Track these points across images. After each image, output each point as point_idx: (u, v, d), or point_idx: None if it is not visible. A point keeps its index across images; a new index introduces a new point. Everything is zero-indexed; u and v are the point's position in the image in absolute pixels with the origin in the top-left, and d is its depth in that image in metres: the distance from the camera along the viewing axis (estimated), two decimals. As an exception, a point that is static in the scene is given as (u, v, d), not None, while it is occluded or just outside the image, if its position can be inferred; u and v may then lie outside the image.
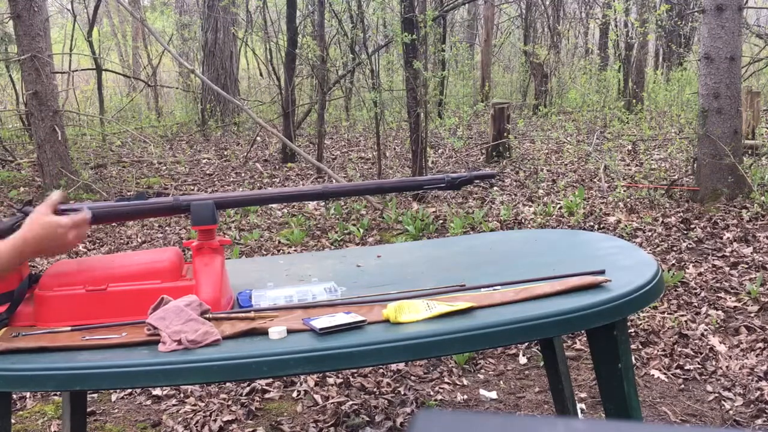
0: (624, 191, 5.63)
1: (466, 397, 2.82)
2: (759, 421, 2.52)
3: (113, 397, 2.90)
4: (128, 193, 6.66)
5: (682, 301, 3.55)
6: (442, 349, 1.53)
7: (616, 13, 11.06)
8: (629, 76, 11.19)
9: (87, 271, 1.66)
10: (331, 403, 2.76)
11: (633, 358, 2.95)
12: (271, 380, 2.92)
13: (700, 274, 3.87)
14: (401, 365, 3.03)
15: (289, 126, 8.21)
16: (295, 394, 2.86)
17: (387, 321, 1.54)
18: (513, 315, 1.54)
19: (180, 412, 2.76)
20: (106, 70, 11.10)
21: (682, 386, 2.81)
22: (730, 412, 2.59)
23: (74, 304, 1.61)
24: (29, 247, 1.53)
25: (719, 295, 3.60)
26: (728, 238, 4.41)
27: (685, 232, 4.62)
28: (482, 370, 3.03)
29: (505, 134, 7.55)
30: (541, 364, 2.88)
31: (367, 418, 2.65)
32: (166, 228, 5.50)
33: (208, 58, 11.43)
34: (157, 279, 1.65)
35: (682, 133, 7.96)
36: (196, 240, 1.73)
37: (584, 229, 4.81)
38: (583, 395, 2.77)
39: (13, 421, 1.97)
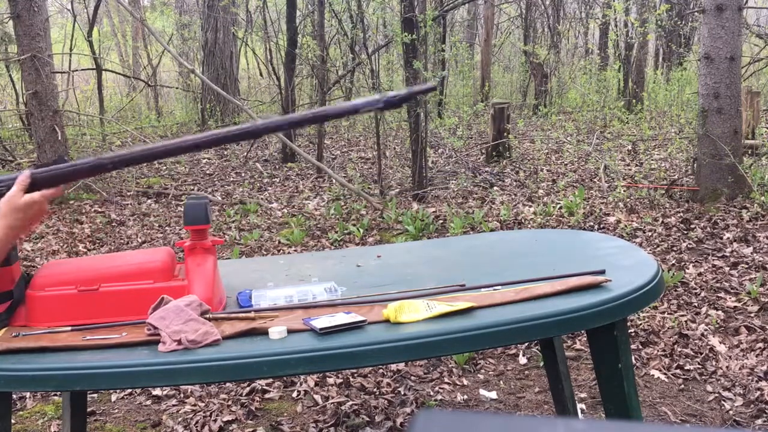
0: (624, 191, 5.63)
1: (466, 397, 2.82)
2: (759, 421, 2.52)
3: (113, 397, 2.90)
4: (128, 193, 6.67)
5: (682, 301, 3.55)
6: (442, 349, 1.53)
7: (616, 13, 11.06)
8: (629, 76, 11.19)
9: (79, 272, 1.66)
10: (331, 403, 2.76)
11: (633, 358, 2.95)
12: (271, 380, 2.92)
13: (700, 274, 3.87)
14: (401, 365, 3.03)
15: (289, 126, 8.19)
16: (295, 394, 2.86)
17: (387, 321, 1.54)
18: (513, 315, 1.54)
19: (180, 412, 2.76)
20: (106, 70, 11.10)
21: (682, 386, 2.81)
22: (730, 412, 2.59)
23: (67, 304, 1.61)
24: (11, 233, 1.51)
25: (719, 295, 3.60)
26: (728, 238, 4.41)
27: (685, 232, 4.62)
28: (482, 370, 3.03)
29: (505, 134, 7.55)
30: (541, 364, 2.87)
31: (367, 418, 2.65)
32: (166, 228, 5.50)
33: (208, 58, 11.42)
34: (150, 279, 1.65)
35: (682, 133, 7.96)
36: (188, 240, 1.73)
37: (584, 229, 4.81)
38: (583, 395, 2.77)
39: (13, 421, 1.97)
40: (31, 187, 1.53)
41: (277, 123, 1.61)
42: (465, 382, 2.93)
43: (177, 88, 12.94)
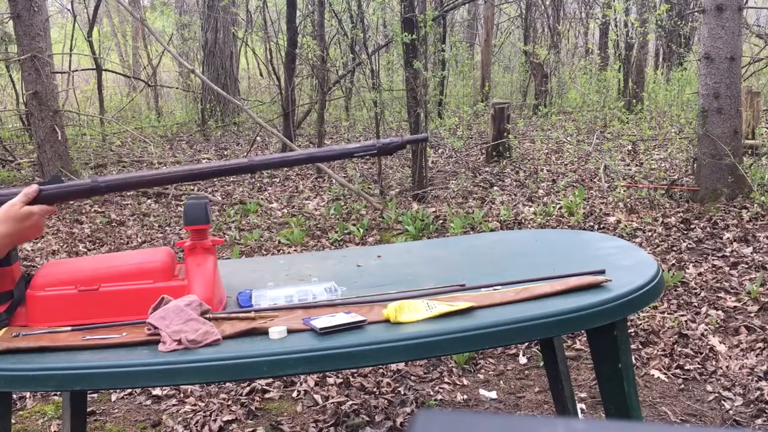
0: (624, 191, 5.63)
1: (466, 397, 2.82)
2: (759, 421, 2.52)
3: (113, 397, 2.90)
4: (128, 193, 6.67)
5: (682, 301, 3.55)
6: (442, 349, 1.53)
7: (616, 13, 11.06)
8: (629, 76, 11.19)
9: (79, 272, 1.66)
10: (331, 403, 2.76)
11: (633, 358, 2.95)
12: (271, 380, 2.92)
13: (700, 274, 3.87)
14: (401, 365, 3.03)
15: (289, 126, 8.21)
16: (295, 394, 2.86)
17: (387, 321, 1.54)
18: (513, 315, 1.54)
19: (180, 412, 2.76)
20: (106, 70, 11.10)
21: (682, 386, 2.81)
22: (730, 412, 2.59)
23: (67, 304, 1.61)
24: (5, 240, 1.57)
25: (719, 295, 3.60)
26: (728, 238, 4.41)
27: (685, 232, 4.62)
28: (482, 370, 3.03)
29: (505, 134, 7.55)
30: (541, 364, 2.87)
31: (367, 418, 2.65)
32: (166, 228, 5.50)
33: (208, 58, 11.43)
34: (150, 279, 1.65)
35: (682, 133, 7.96)
36: (188, 240, 1.73)
37: (584, 229, 4.81)
38: (583, 395, 2.77)
39: (13, 421, 1.97)
40: (34, 201, 1.60)
41: (272, 161, 1.72)
42: (465, 382, 2.93)
43: (177, 88, 12.94)
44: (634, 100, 10.28)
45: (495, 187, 6.33)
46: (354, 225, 5.21)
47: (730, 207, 5.01)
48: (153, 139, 9.44)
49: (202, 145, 9.78)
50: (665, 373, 2.90)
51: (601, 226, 4.88)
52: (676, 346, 3.09)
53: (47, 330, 1.57)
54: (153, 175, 1.72)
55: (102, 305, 1.62)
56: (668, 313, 3.41)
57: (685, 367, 2.93)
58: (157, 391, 2.90)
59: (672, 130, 8.59)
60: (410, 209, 5.55)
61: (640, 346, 3.12)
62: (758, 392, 2.67)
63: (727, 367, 2.90)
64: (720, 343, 3.10)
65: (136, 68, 14.44)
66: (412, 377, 2.97)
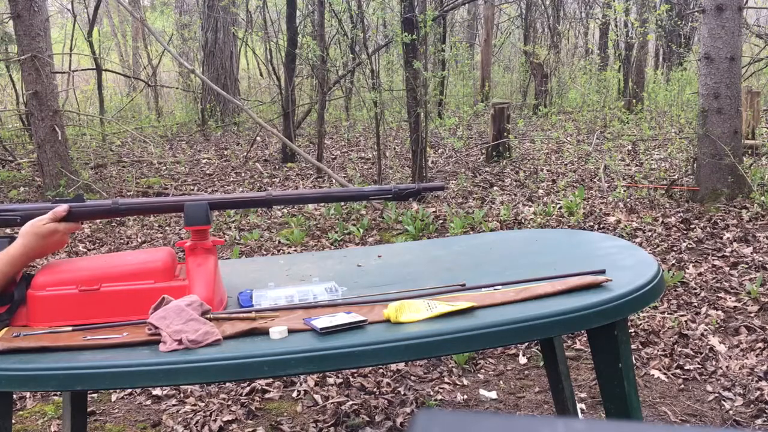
0: (624, 191, 5.64)
1: (466, 397, 2.82)
2: (759, 421, 2.52)
3: (113, 397, 2.90)
4: (128, 194, 6.67)
5: (682, 301, 3.56)
6: (442, 349, 1.53)
7: (616, 13, 11.07)
8: (629, 76, 11.19)
9: (80, 272, 1.66)
10: (331, 403, 2.77)
11: (633, 358, 2.95)
12: (271, 380, 2.92)
13: (700, 274, 3.87)
14: (401, 365, 3.03)
15: (289, 126, 8.21)
16: (295, 394, 2.86)
17: (388, 321, 1.54)
18: (514, 315, 1.54)
19: (180, 412, 2.76)
20: (106, 70, 11.10)
21: (682, 386, 2.81)
22: (730, 412, 2.60)
23: (67, 304, 1.61)
24: (28, 253, 1.63)
25: (719, 295, 3.61)
26: (728, 238, 4.41)
27: (685, 232, 4.62)
28: (482, 370, 3.03)
29: (505, 134, 7.55)
30: (541, 364, 2.88)
31: (367, 418, 2.65)
32: (166, 228, 5.50)
33: (208, 58, 11.43)
34: (150, 279, 1.65)
35: (682, 133, 7.96)
36: (189, 240, 1.73)
37: (584, 229, 4.81)
38: (583, 395, 2.77)
39: (13, 421, 1.97)
40: (62, 219, 1.67)
41: (289, 197, 1.83)
42: (465, 382, 2.93)
43: (177, 88, 12.94)
44: (634, 100, 10.28)
45: (495, 187, 6.33)
46: (354, 225, 5.21)
47: (730, 207, 5.01)
48: (153, 139, 9.44)
49: (202, 145, 9.78)
50: (665, 373, 2.90)
51: (601, 226, 4.88)
52: (676, 346, 3.09)
53: (48, 330, 1.57)
54: (172, 201, 1.80)
55: (103, 305, 1.62)
56: (668, 313, 3.42)
57: (685, 367, 2.93)
58: (157, 391, 2.90)
59: (672, 130, 8.59)
60: (410, 209, 5.56)
61: (640, 346, 3.12)
62: (758, 392, 2.67)
63: (727, 367, 2.90)
64: (720, 343, 3.10)
65: (136, 68, 14.43)
66: (412, 377, 2.97)
